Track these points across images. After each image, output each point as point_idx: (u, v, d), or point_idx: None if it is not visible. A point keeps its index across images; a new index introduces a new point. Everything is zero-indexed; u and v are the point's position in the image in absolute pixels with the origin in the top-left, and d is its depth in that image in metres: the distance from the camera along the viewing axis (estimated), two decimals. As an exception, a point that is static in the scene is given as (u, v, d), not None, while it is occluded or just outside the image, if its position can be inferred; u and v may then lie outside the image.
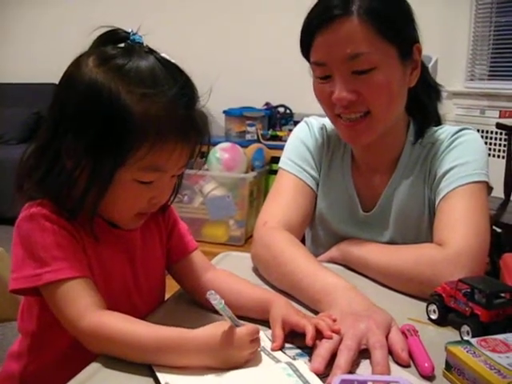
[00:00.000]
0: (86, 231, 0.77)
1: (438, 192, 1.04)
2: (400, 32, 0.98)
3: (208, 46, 4.06)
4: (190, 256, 0.93)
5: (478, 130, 3.19)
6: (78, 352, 0.70)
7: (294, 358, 0.71)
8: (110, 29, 0.78)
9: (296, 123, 1.32)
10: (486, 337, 0.69)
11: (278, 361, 0.70)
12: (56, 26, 4.47)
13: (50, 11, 4.51)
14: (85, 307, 0.70)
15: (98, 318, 0.69)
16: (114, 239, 0.82)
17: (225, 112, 3.78)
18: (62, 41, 4.07)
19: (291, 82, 3.15)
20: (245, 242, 3.23)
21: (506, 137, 2.66)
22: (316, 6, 0.99)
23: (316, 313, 0.84)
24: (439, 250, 0.95)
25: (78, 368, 0.68)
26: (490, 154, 3.26)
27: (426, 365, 0.69)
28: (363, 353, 0.72)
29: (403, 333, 0.75)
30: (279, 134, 3.74)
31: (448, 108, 3.52)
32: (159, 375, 0.65)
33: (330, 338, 0.72)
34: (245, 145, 3.49)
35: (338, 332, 0.73)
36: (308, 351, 0.73)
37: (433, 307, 0.84)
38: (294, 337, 0.76)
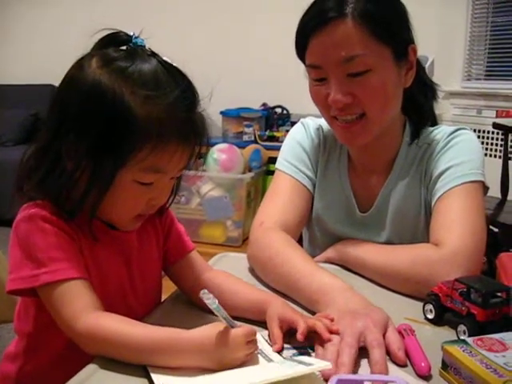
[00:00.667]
0: (84, 232, 0.78)
1: (434, 192, 1.04)
2: (395, 34, 0.98)
3: (205, 47, 4.06)
4: (188, 257, 0.93)
5: (475, 130, 3.20)
6: (74, 353, 0.71)
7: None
8: (111, 31, 0.78)
9: (293, 124, 1.32)
10: (482, 336, 0.69)
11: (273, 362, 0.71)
12: (56, 27, 4.46)
13: (50, 11, 4.50)
14: (81, 309, 0.70)
15: (94, 319, 0.69)
16: (111, 240, 0.82)
17: (222, 113, 3.78)
18: (61, 41, 4.08)
19: (288, 82, 3.15)
20: (242, 242, 3.23)
21: (503, 136, 2.67)
22: (310, 8, 0.99)
23: (313, 314, 0.84)
24: (435, 249, 0.95)
25: (73, 369, 0.68)
26: (486, 154, 3.26)
27: (423, 364, 0.69)
28: (361, 353, 0.72)
29: (400, 332, 0.75)
30: (276, 134, 3.74)
31: (445, 108, 3.53)
32: (154, 376, 0.65)
33: (330, 340, 0.72)
34: (242, 145, 3.49)
35: (336, 332, 0.73)
36: (305, 352, 0.73)
37: (429, 307, 0.84)
38: (290, 337, 0.76)
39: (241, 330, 0.68)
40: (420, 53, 1.04)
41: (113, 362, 0.69)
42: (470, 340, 0.68)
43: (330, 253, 1.13)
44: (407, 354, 0.72)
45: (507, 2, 3.36)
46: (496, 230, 2.24)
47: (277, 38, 3.39)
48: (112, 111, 0.71)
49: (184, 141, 0.75)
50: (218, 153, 3.24)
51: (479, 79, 3.56)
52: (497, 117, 3.21)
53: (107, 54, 0.76)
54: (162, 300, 0.95)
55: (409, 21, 1.01)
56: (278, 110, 3.93)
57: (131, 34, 0.78)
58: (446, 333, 0.81)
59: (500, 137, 3.12)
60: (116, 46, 0.77)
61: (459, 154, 1.05)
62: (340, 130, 1.04)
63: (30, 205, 0.76)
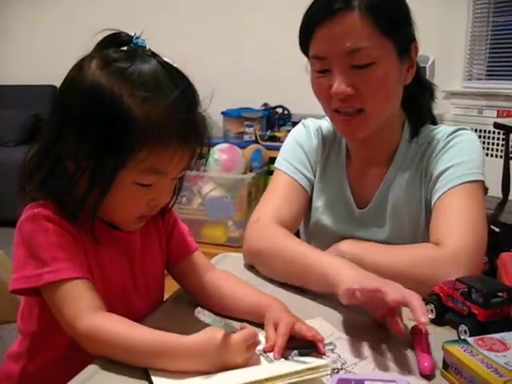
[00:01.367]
0: (87, 232, 0.78)
1: (435, 192, 1.04)
2: (399, 29, 0.99)
3: (206, 47, 4.06)
4: (191, 257, 0.93)
5: (476, 130, 3.20)
6: (77, 353, 0.71)
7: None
8: (112, 32, 0.78)
9: (294, 124, 1.33)
10: (483, 336, 0.69)
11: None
12: (56, 27, 4.46)
13: (50, 11, 4.50)
14: (82, 309, 0.71)
15: (94, 320, 0.70)
16: (114, 241, 0.82)
17: (223, 113, 3.78)
18: (61, 41, 4.08)
19: (289, 82, 3.15)
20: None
21: (504, 136, 2.67)
22: (316, 0, 1.00)
23: (328, 299, 0.88)
24: (436, 249, 0.96)
25: (76, 369, 0.69)
26: (487, 154, 3.26)
27: (426, 364, 0.69)
28: (360, 351, 0.72)
29: (414, 331, 0.77)
30: (277, 134, 3.74)
31: (446, 108, 3.53)
32: (154, 379, 0.65)
33: (322, 340, 0.74)
34: (243, 146, 3.49)
35: (321, 341, 0.74)
36: (305, 353, 0.73)
37: (430, 307, 0.84)
38: (291, 338, 0.75)
39: (240, 334, 0.68)
40: (421, 52, 1.05)
41: (113, 363, 0.69)
42: (470, 340, 0.68)
43: (330, 253, 1.12)
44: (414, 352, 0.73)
45: (508, 2, 3.36)
46: (497, 229, 2.24)
47: (278, 38, 3.40)
48: (111, 112, 0.71)
49: (184, 142, 0.75)
50: (219, 153, 3.23)
51: (480, 79, 3.56)
52: (498, 117, 3.21)
53: (107, 55, 0.76)
54: (164, 299, 0.95)
55: (412, 18, 1.02)
56: (279, 110, 3.93)
57: (132, 34, 0.78)
58: (447, 333, 0.81)
59: (501, 137, 3.12)
60: (117, 47, 0.77)
61: (459, 153, 1.05)
62: (340, 124, 1.05)
63: (34, 205, 0.76)
